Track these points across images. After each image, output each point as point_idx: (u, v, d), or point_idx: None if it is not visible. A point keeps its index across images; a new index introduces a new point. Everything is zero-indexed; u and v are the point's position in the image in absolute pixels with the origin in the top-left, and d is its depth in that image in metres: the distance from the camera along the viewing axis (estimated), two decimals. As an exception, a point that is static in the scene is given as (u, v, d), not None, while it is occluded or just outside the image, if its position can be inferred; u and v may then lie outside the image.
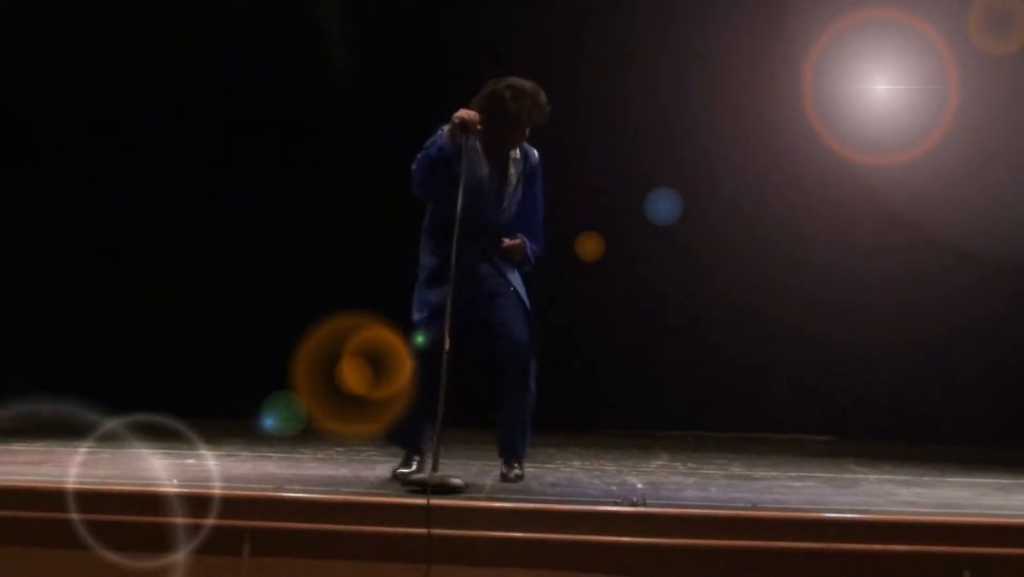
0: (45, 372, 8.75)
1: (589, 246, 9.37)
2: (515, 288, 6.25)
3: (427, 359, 5.97)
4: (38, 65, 9.51)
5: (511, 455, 6.34)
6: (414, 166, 6.14)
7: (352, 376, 6.22)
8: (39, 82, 9.53)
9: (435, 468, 5.77)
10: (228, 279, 9.50)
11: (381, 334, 6.29)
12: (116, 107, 9.57)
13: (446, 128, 6.09)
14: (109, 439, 7.07)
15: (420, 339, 6.07)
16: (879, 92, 9.23)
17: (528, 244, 6.27)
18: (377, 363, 6.25)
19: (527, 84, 6.17)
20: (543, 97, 6.17)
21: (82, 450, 6.94)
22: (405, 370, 6.08)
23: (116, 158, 9.59)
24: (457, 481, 5.68)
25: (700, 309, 9.49)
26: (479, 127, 6.09)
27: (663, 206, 9.36)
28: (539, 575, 5.23)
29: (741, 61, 9.23)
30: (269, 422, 8.39)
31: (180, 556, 5.26)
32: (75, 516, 5.33)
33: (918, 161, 9.04)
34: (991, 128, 9.15)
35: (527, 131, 6.21)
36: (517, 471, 6.31)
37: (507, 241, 6.24)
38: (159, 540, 5.30)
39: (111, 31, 9.50)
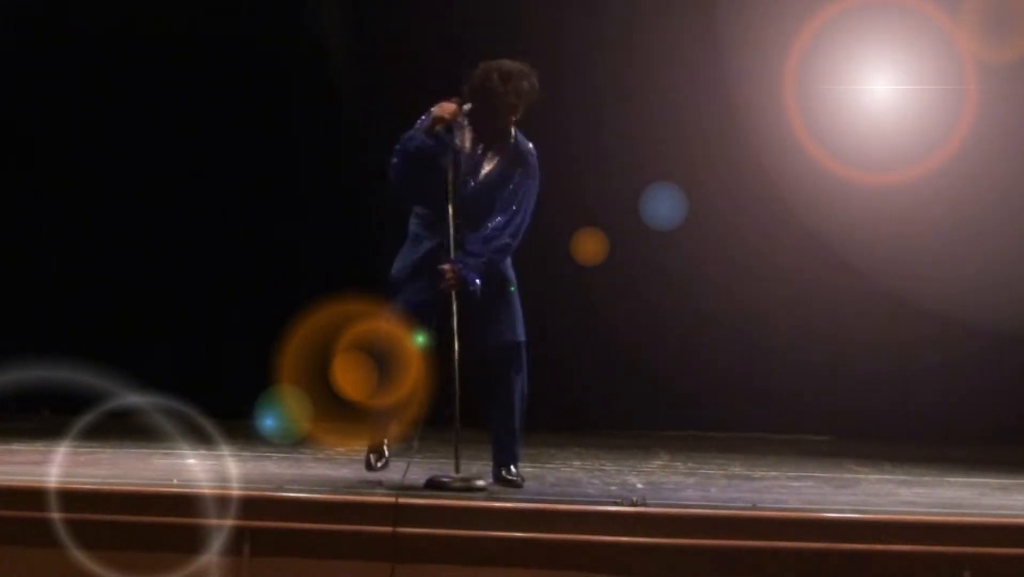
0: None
1: (589, 248, 9.35)
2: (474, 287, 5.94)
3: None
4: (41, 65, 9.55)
5: (508, 457, 6.18)
6: (393, 159, 6.01)
7: (347, 378, 6.10)
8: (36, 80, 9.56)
9: (456, 469, 5.81)
10: (229, 278, 9.49)
11: (382, 328, 6.16)
12: (114, 105, 9.56)
13: (424, 123, 5.96)
14: (112, 428, 7.07)
15: (420, 339, 6.03)
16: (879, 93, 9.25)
17: (466, 271, 5.89)
18: (380, 363, 6.15)
19: (515, 65, 5.98)
20: (533, 79, 5.96)
21: (82, 450, 6.94)
22: (412, 370, 6.02)
23: (113, 157, 9.58)
24: (480, 483, 5.79)
25: (700, 309, 9.48)
26: (461, 118, 5.96)
27: (664, 208, 9.35)
28: (539, 575, 5.23)
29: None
30: (268, 424, 8.36)
31: (179, 556, 5.25)
32: (75, 516, 5.32)
33: (928, 172, 9.07)
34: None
35: (517, 112, 5.98)
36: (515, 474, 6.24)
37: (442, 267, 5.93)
38: (159, 540, 5.30)
39: (111, 27, 9.50)
